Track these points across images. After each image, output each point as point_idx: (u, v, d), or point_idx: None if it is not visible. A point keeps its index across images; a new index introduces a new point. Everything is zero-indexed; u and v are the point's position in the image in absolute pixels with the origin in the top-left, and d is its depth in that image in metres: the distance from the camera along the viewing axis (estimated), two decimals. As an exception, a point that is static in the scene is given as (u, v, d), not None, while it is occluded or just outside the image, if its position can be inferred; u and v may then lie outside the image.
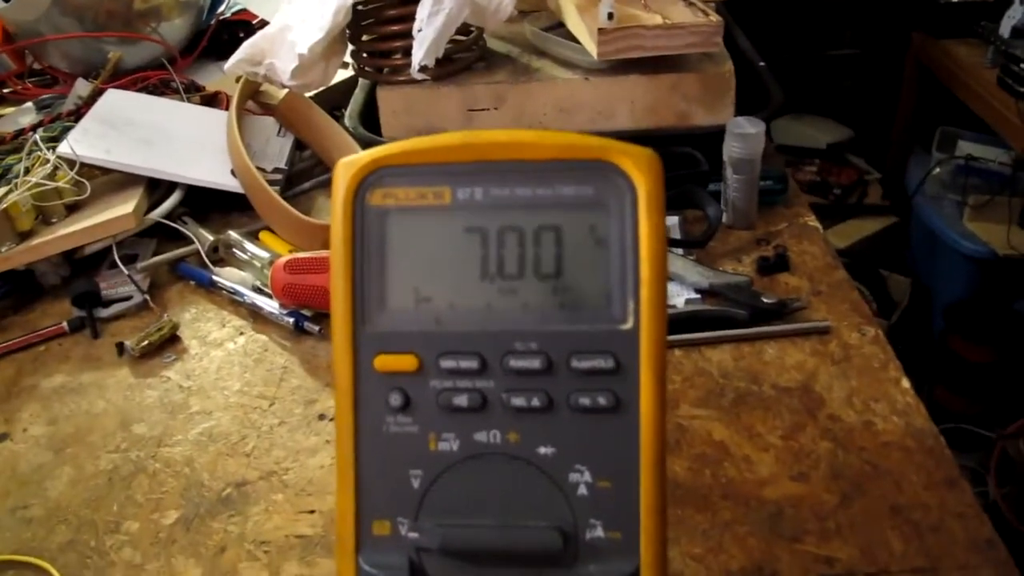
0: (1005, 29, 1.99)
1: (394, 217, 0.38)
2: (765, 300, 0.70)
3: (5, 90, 1.32)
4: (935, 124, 2.44)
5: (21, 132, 1.00)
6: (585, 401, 0.36)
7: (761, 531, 0.53)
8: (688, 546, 0.53)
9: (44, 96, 1.25)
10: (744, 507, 0.55)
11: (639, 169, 0.37)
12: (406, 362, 0.38)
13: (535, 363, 0.37)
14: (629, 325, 0.36)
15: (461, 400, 0.37)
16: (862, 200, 2.88)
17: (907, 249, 2.51)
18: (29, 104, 1.26)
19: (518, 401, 0.37)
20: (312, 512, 0.58)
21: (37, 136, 0.89)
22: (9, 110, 1.28)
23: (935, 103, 2.41)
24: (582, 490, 0.37)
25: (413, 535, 0.37)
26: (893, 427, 0.59)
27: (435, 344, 0.38)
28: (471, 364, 0.37)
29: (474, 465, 0.37)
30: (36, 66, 1.34)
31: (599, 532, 0.37)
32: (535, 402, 0.37)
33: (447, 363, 0.37)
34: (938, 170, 2.40)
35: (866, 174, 2.92)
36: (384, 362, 0.38)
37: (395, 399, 0.38)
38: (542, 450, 0.37)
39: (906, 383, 0.63)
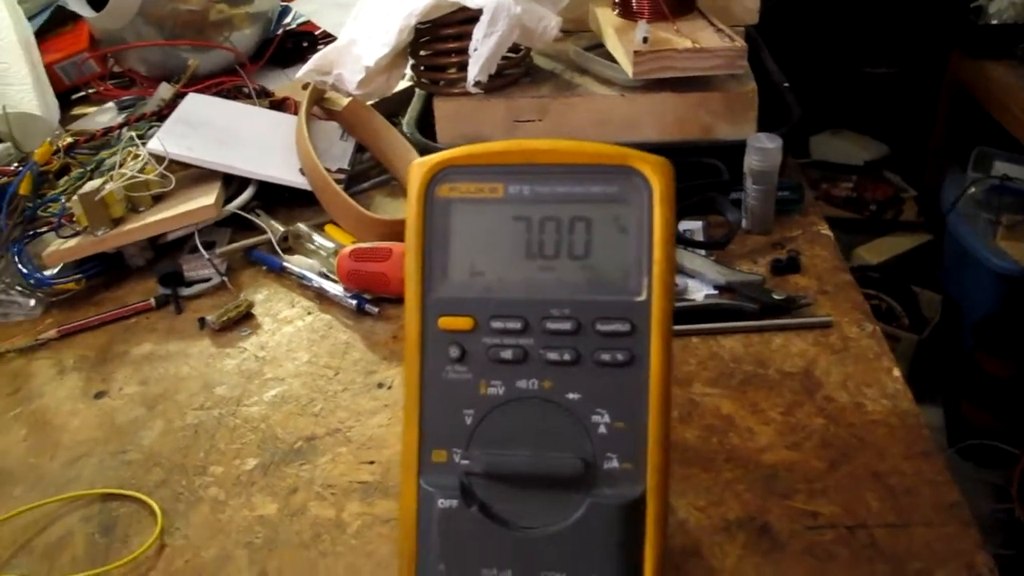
0: (1044, 51, 2.03)
1: (457, 206, 0.48)
2: (775, 296, 0.79)
3: (89, 91, 1.44)
4: (971, 143, 2.47)
5: (110, 130, 1.11)
6: (606, 357, 0.45)
7: (757, 489, 0.62)
8: (693, 499, 0.61)
9: (125, 97, 1.36)
10: (743, 469, 0.63)
11: (655, 173, 0.46)
12: (463, 323, 0.47)
13: (567, 325, 0.46)
14: (643, 297, 0.45)
15: (507, 354, 0.46)
16: (897, 217, 2.92)
17: (940, 266, 2.55)
18: (110, 104, 1.38)
19: (552, 355, 0.46)
20: (372, 463, 0.67)
21: (132, 134, 1.00)
22: (91, 109, 1.40)
23: (972, 123, 2.45)
24: (602, 429, 0.46)
25: (464, 462, 0.47)
26: (881, 408, 0.68)
27: (487, 309, 0.47)
28: (516, 325, 0.46)
29: (515, 406, 0.46)
30: (116, 69, 1.45)
31: (614, 463, 0.46)
32: (566, 356, 0.46)
33: (496, 324, 0.47)
34: (973, 189, 2.43)
35: (902, 191, 2.96)
36: (446, 322, 0.47)
37: (454, 352, 0.47)
38: (570, 395, 0.46)
39: (896, 372, 0.71)
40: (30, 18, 1.38)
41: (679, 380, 0.71)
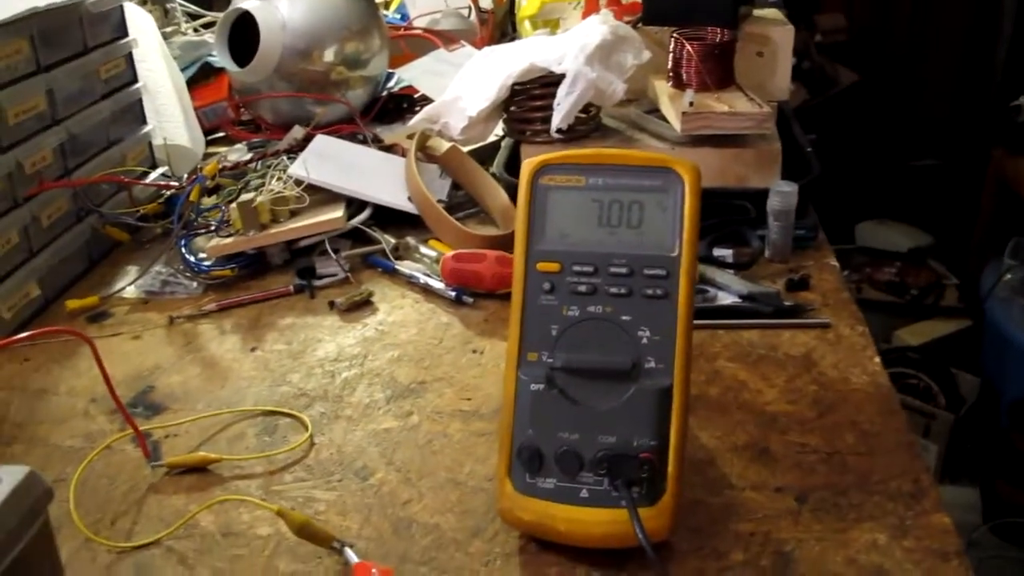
0: (1080, 150, 2.20)
1: (553, 190, 0.70)
2: (786, 303, 0.99)
3: (219, 133, 1.71)
4: (1012, 234, 2.64)
5: (251, 160, 1.37)
6: (649, 292, 0.67)
7: (760, 427, 0.82)
8: (712, 431, 0.81)
9: (255, 139, 1.63)
10: (751, 414, 0.84)
11: (687, 172, 0.68)
12: (554, 267, 0.69)
13: (624, 271, 0.68)
14: (676, 253, 0.67)
15: (582, 288, 0.68)
16: (938, 302, 3.06)
17: (979, 350, 2.67)
18: (240, 144, 1.64)
19: (613, 290, 0.68)
20: (469, 399, 0.89)
21: (284, 158, 1.25)
22: (223, 148, 1.67)
23: (1014, 215, 2.61)
24: (644, 340, 0.67)
25: (550, 360, 0.68)
26: (862, 381, 0.88)
27: (570, 258, 0.69)
28: (589, 269, 0.68)
29: (587, 324, 0.68)
30: (245, 117, 1.72)
31: (652, 364, 0.67)
32: (623, 291, 0.67)
33: (576, 268, 0.68)
34: (1009, 276, 2.59)
35: (944, 278, 3.10)
36: (542, 266, 0.69)
37: (546, 286, 0.69)
38: (624, 317, 0.67)
39: (878, 359, 0.91)
40: (182, 69, 1.66)
41: (707, 356, 0.92)
